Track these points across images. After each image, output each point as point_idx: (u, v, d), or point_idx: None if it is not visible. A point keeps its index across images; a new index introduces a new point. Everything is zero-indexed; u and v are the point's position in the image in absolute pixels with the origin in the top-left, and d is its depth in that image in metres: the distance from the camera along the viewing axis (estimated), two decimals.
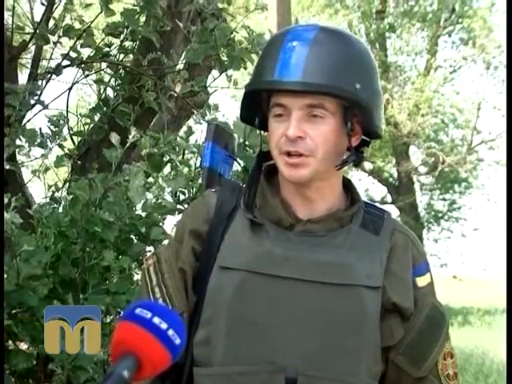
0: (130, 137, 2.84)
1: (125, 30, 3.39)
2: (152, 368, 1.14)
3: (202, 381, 1.54)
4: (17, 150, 3.15)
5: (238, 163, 2.83)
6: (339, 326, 1.55)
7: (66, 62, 3.42)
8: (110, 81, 3.54)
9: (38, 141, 3.09)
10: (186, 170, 2.97)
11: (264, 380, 1.51)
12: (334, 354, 1.54)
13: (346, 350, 1.55)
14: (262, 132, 1.70)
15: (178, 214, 2.78)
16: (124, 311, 1.19)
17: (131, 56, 3.56)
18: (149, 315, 1.15)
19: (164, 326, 1.15)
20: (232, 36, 3.34)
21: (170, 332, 1.15)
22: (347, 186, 1.67)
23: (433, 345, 1.63)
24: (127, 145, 2.83)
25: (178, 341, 1.16)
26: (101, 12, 3.35)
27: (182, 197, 2.81)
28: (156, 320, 1.15)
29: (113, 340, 1.16)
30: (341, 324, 1.55)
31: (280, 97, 1.55)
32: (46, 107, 3.30)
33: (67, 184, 3.11)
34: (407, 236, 1.67)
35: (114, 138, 2.81)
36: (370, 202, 1.71)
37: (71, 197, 2.77)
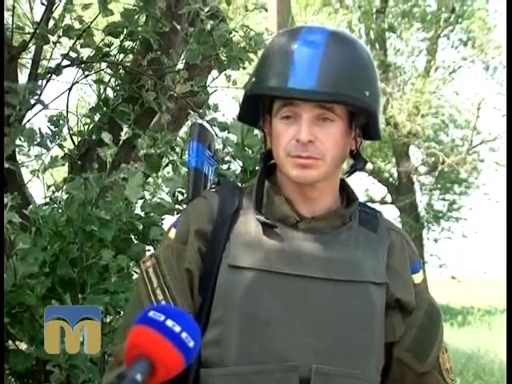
0: (123, 134, 2.83)
1: (124, 30, 3.39)
2: (165, 371, 1.14)
3: (215, 382, 1.53)
4: (17, 150, 3.15)
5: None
6: (350, 323, 1.56)
7: (65, 62, 3.43)
8: (109, 81, 3.54)
9: (38, 140, 3.09)
10: (184, 170, 2.96)
11: (278, 379, 1.51)
12: (346, 351, 1.55)
13: (357, 347, 1.56)
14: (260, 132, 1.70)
15: (177, 214, 2.78)
16: (138, 315, 1.18)
17: (131, 56, 3.56)
18: (162, 318, 1.15)
19: (177, 328, 1.14)
20: (230, 36, 3.34)
21: (184, 335, 1.14)
22: (342, 185, 1.68)
23: (434, 340, 1.65)
24: (120, 142, 2.83)
25: (191, 343, 1.15)
26: (99, 13, 3.35)
27: (180, 197, 2.81)
28: (169, 323, 1.14)
29: (126, 343, 1.15)
30: (352, 320, 1.56)
31: (291, 101, 1.55)
32: (46, 107, 3.30)
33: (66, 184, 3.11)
34: (402, 235, 1.71)
35: (107, 136, 2.81)
36: (362, 202, 1.73)
37: (67, 196, 2.78)
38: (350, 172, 1.68)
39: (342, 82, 1.53)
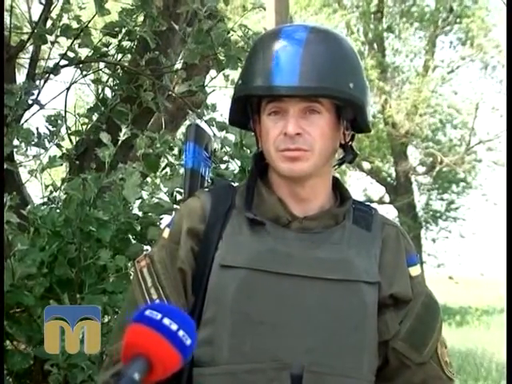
0: (121, 134, 2.84)
1: (122, 30, 3.39)
2: (163, 369, 1.14)
3: (207, 381, 1.54)
4: (15, 150, 3.15)
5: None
6: (343, 322, 1.57)
7: (63, 62, 3.42)
8: (107, 80, 3.54)
9: (36, 140, 3.09)
10: (182, 169, 2.96)
11: (270, 377, 1.52)
12: (338, 350, 1.56)
13: (349, 346, 1.57)
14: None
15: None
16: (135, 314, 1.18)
17: (129, 56, 3.56)
18: (159, 316, 1.15)
19: (174, 326, 1.15)
20: (229, 36, 3.34)
21: (181, 333, 1.15)
22: (335, 184, 1.69)
23: (431, 331, 1.66)
24: (119, 143, 2.83)
25: (188, 341, 1.15)
26: (96, 13, 3.35)
27: (178, 196, 2.81)
28: (166, 321, 1.15)
29: (124, 342, 1.15)
30: (344, 319, 1.57)
31: (276, 99, 1.57)
32: (42, 107, 3.30)
33: (64, 184, 3.11)
34: (397, 228, 1.72)
35: (105, 137, 2.82)
36: (356, 199, 1.73)
37: (65, 196, 2.78)
38: (339, 164, 1.69)
39: (324, 75, 1.55)
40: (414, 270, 1.69)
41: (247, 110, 1.65)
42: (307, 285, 1.56)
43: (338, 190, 1.69)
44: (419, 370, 1.65)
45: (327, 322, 1.56)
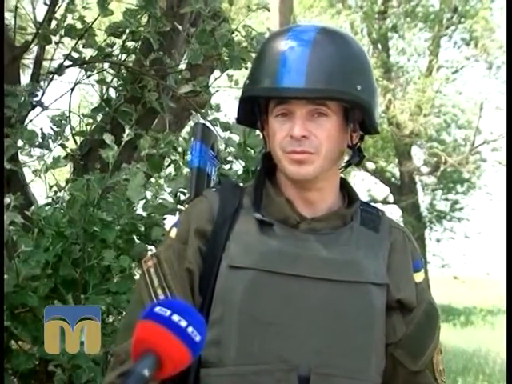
0: (125, 135, 2.84)
1: (126, 30, 3.39)
2: (172, 366, 1.15)
3: (214, 382, 1.54)
4: (19, 151, 3.15)
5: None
6: (350, 323, 1.56)
7: (68, 63, 3.43)
8: (112, 81, 3.54)
9: (40, 141, 3.09)
10: (186, 170, 2.96)
11: (277, 379, 1.51)
12: (345, 351, 1.55)
13: (357, 347, 1.57)
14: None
15: (179, 214, 2.78)
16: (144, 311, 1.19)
17: (133, 56, 3.56)
18: (168, 313, 1.15)
19: (183, 323, 1.15)
20: (232, 36, 3.34)
21: (190, 329, 1.15)
22: (343, 185, 1.69)
23: (429, 339, 1.66)
24: (122, 144, 2.84)
25: (198, 338, 1.16)
26: (100, 13, 3.35)
27: (182, 197, 2.81)
28: (175, 317, 1.15)
29: (133, 339, 1.16)
30: (352, 321, 1.56)
31: (284, 100, 1.56)
32: (46, 108, 3.30)
33: (69, 184, 3.11)
34: (403, 232, 1.71)
35: (108, 138, 2.82)
36: (364, 201, 1.72)
37: (69, 197, 2.78)
38: (345, 166, 1.69)
39: (331, 77, 1.53)
40: (419, 276, 1.69)
41: (255, 109, 1.64)
42: (315, 286, 1.56)
43: (346, 190, 1.68)
44: (413, 378, 1.65)
45: (335, 323, 1.56)
